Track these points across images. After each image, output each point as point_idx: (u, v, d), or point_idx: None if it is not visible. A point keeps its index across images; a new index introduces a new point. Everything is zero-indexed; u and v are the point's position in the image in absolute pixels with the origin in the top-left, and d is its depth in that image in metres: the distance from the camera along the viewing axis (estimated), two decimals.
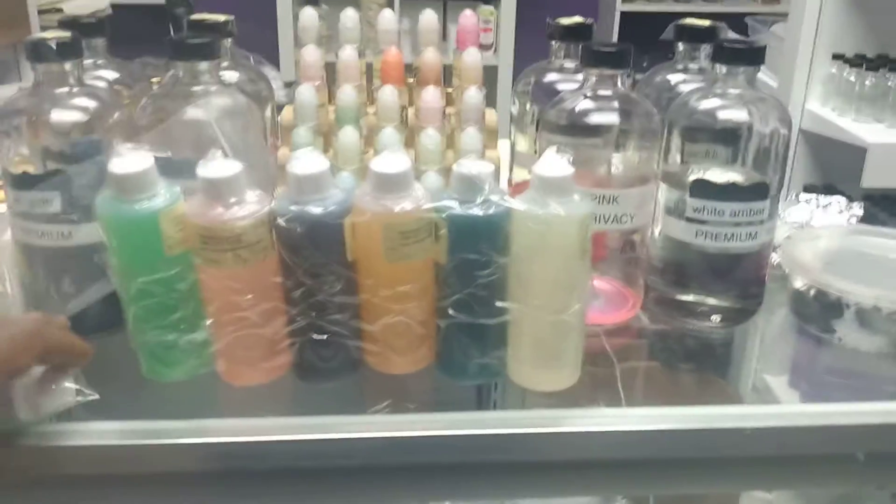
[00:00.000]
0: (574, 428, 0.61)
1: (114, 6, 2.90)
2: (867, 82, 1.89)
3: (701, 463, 0.64)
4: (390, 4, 3.05)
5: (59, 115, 0.65)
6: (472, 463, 0.61)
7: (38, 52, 0.63)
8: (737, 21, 3.02)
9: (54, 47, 0.63)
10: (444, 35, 3.30)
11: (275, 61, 3.16)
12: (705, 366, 0.76)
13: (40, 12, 2.43)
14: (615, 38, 3.28)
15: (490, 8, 3.14)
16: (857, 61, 1.92)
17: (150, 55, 3.04)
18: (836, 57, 1.99)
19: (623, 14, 3.26)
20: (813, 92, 2.03)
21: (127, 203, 0.57)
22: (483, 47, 3.40)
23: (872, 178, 1.75)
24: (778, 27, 2.60)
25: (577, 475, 0.64)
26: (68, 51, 0.64)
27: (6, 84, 2.29)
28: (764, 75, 2.29)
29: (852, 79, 1.92)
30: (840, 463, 0.63)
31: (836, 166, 2.00)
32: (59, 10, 2.64)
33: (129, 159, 0.57)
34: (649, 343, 0.76)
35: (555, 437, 0.61)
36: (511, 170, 0.85)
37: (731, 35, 2.88)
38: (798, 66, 2.03)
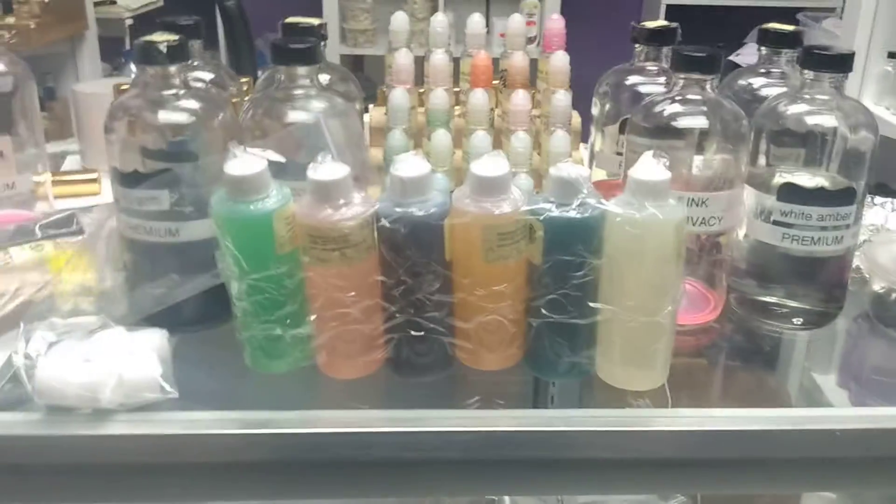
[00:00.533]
0: (650, 427, 0.63)
1: None
2: None
3: (766, 463, 0.65)
4: (435, 6, 3.07)
5: (167, 117, 0.67)
6: (571, 459, 0.63)
7: (147, 54, 0.66)
8: (786, 15, 2.99)
9: (163, 51, 0.65)
10: (487, 28, 3.30)
11: None
12: (783, 368, 0.77)
13: (95, 4, 2.48)
14: None
15: (534, 1, 3.14)
16: None
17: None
18: (891, 55, 1.97)
19: (669, 7, 3.24)
20: (867, 90, 2.01)
21: (242, 203, 0.59)
22: (528, 40, 3.39)
23: None
24: (829, 23, 2.58)
25: (647, 473, 0.66)
26: (176, 54, 0.66)
27: (63, 78, 2.34)
28: None
29: None
30: None
31: (888, 165, 1.98)
32: (114, 2, 2.69)
33: (244, 161, 0.60)
34: (727, 344, 0.77)
35: (631, 434, 0.63)
36: (591, 168, 0.86)
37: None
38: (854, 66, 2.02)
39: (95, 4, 2.48)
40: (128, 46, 2.73)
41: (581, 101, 0.86)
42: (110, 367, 0.60)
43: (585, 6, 3.44)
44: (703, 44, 0.75)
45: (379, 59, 3.53)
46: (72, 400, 0.60)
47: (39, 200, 0.92)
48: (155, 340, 0.64)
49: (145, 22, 2.77)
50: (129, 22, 2.73)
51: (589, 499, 1.20)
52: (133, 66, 1.99)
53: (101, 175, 1.03)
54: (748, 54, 2.87)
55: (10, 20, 2.06)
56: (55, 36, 2.20)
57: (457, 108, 0.78)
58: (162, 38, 0.66)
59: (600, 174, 0.85)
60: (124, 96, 0.69)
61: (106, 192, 1.01)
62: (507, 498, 1.16)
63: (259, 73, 2.98)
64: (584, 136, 0.87)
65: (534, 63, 0.81)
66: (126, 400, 0.61)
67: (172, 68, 0.67)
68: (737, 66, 3.18)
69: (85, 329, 0.64)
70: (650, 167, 0.61)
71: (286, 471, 0.62)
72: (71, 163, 1.13)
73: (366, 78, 3.26)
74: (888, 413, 0.65)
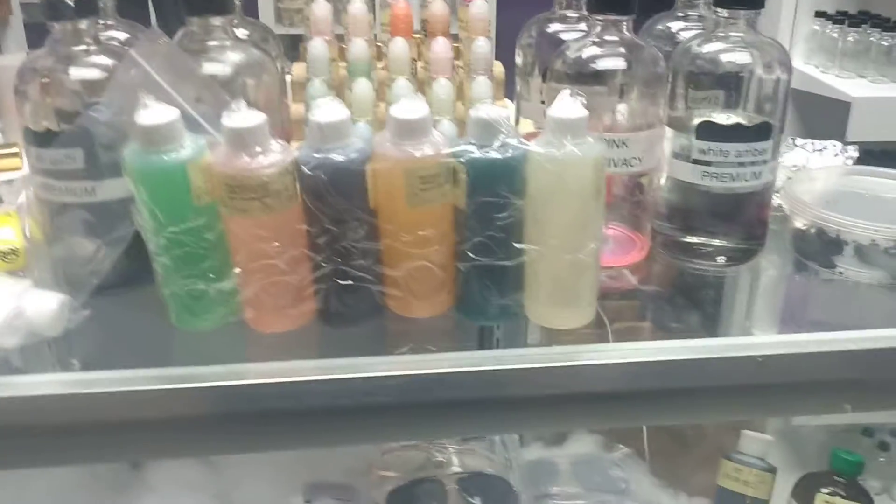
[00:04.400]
0: (579, 362, 0.63)
1: None
2: (849, 38, 1.92)
3: (694, 392, 0.66)
4: None
5: (78, 74, 0.66)
6: (501, 397, 0.63)
7: (55, 9, 0.64)
8: None
9: (72, 4, 0.64)
10: None
11: (253, 13, 3.15)
12: (709, 304, 0.78)
13: None
14: None
15: None
16: (840, 18, 1.95)
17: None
18: (818, 14, 2.02)
19: None
20: (796, 49, 2.06)
21: (155, 154, 0.58)
22: None
23: (857, 131, 1.79)
24: None
25: (581, 408, 0.67)
26: (85, 9, 0.65)
27: None
28: None
29: (835, 35, 1.95)
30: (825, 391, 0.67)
31: (818, 122, 2.04)
32: None
33: (155, 111, 0.58)
34: (654, 285, 0.78)
35: (561, 370, 0.64)
36: (517, 121, 0.86)
37: None
38: (782, 24, 2.06)
39: None
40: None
41: (505, 54, 0.87)
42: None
43: None
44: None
45: None
46: None
47: None
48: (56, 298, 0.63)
49: None
50: None
51: (536, 455, 1.21)
52: None
53: (22, 149, 1.00)
54: None
55: None
56: None
57: (378, 62, 0.77)
58: None
59: (527, 125, 0.86)
60: (33, 55, 0.67)
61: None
62: (454, 458, 1.17)
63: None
64: (509, 89, 0.88)
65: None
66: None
67: (82, 24, 0.65)
68: None
69: None
70: (568, 105, 0.62)
71: (217, 425, 0.62)
72: None
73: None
74: (808, 339, 0.67)
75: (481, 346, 0.70)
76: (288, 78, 0.81)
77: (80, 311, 0.64)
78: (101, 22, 0.75)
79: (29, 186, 0.71)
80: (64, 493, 1.09)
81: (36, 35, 2.53)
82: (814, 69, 2.01)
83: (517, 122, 0.86)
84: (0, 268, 0.69)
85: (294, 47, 3.14)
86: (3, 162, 0.99)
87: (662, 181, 0.76)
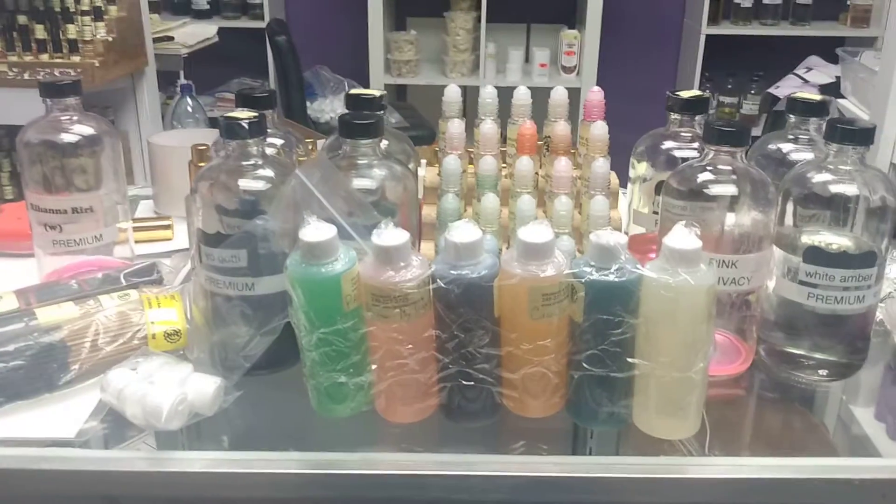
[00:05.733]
0: (683, 475, 0.68)
1: (219, 30, 3.08)
2: None
3: None
4: (476, 29, 3.16)
5: (246, 185, 0.75)
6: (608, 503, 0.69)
7: (231, 130, 0.74)
8: (826, 45, 3.01)
9: (246, 127, 0.73)
10: (526, 57, 3.39)
11: (364, 81, 3.31)
12: (809, 417, 0.82)
13: (154, 41, 2.60)
14: (700, 61, 3.31)
15: (574, 32, 3.22)
16: None
17: (247, 76, 3.24)
18: None
19: (708, 37, 3.29)
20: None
21: (315, 266, 0.67)
22: (566, 70, 3.41)
23: None
24: (867, 56, 2.59)
25: None
26: (256, 129, 0.74)
27: (124, 111, 2.47)
28: (855, 108, 2.30)
29: None
30: None
31: None
32: (171, 38, 2.82)
33: (316, 228, 0.67)
34: (757, 394, 0.82)
35: (667, 481, 0.69)
36: (629, 224, 0.92)
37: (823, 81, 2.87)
38: (891, 100, 2.04)
39: (155, 41, 2.60)
40: (182, 78, 2.88)
41: (614, 148, 0.91)
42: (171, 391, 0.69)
43: (623, 37, 3.50)
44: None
45: (421, 89, 3.61)
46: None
47: (119, 245, 1.01)
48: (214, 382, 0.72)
49: (199, 55, 2.92)
50: (184, 55, 2.85)
51: None
52: (189, 100, 2.12)
53: (173, 221, 1.12)
54: (786, 87, 2.90)
55: (76, 59, 2.18)
56: (118, 73, 2.31)
57: (504, 168, 0.84)
58: (244, 115, 0.74)
59: (638, 231, 0.91)
60: (209, 166, 0.77)
61: (177, 237, 1.10)
62: None
63: (308, 103, 3.06)
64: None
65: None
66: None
67: (252, 141, 0.74)
68: (775, 97, 3.17)
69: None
70: (683, 236, 0.67)
71: None
72: (143, 208, 1.22)
73: (409, 107, 3.37)
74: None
75: (574, 449, 0.76)
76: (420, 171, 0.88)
77: (233, 392, 0.72)
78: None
79: (188, 266, 0.81)
80: None
81: (165, 78, 2.74)
82: None
83: (628, 227, 0.92)
84: (163, 347, 0.79)
85: (401, 96, 3.26)
86: (158, 233, 1.11)
87: (770, 292, 0.80)
